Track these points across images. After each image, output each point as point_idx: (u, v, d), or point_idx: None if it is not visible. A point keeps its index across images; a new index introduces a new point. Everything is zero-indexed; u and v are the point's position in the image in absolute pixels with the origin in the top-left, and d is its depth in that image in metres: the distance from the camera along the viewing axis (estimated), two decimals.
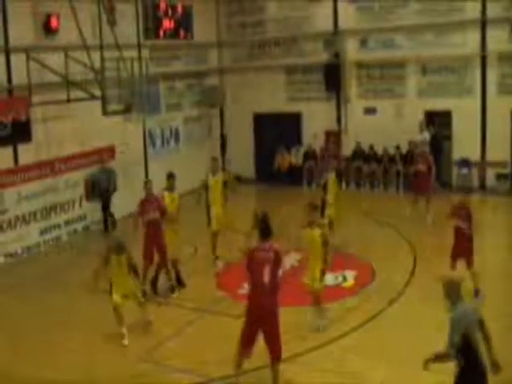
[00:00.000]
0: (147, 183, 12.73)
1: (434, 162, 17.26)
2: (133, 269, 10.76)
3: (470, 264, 11.55)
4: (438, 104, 20.02)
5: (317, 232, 10.28)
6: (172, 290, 12.52)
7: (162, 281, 12.66)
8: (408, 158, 19.53)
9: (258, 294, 8.26)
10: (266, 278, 8.20)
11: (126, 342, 10.43)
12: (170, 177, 12.99)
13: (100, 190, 17.35)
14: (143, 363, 9.75)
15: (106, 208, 17.43)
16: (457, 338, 6.55)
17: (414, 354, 9.46)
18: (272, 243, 8.36)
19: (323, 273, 10.42)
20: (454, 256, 11.67)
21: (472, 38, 19.34)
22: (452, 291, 6.80)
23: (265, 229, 8.38)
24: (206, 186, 13.99)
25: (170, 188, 12.92)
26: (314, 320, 10.58)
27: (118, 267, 10.54)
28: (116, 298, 10.47)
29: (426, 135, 19.64)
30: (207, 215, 14.01)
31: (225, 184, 14.26)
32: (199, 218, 14.74)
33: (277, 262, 8.29)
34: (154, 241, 12.31)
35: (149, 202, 12.37)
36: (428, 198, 16.68)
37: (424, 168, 16.85)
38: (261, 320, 8.28)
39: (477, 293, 11.34)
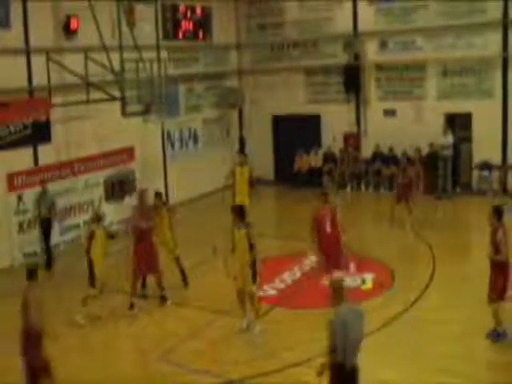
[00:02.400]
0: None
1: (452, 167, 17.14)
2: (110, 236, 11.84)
3: None
4: (459, 106, 19.84)
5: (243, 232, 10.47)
6: (164, 300, 12.12)
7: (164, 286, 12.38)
8: (428, 160, 19.42)
9: None
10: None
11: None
12: (158, 195, 12.94)
13: (40, 216, 15.06)
14: (162, 364, 9.75)
15: (46, 238, 15.04)
16: (339, 340, 6.61)
17: (432, 357, 9.44)
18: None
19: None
20: None
21: (493, 40, 19.14)
22: (336, 293, 6.81)
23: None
24: (233, 177, 15.27)
25: (156, 207, 12.70)
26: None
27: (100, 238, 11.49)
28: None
29: (450, 138, 19.46)
30: (233, 202, 14.94)
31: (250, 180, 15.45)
32: (219, 219, 14.74)
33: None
34: (144, 254, 11.91)
35: (143, 212, 12.08)
36: (412, 201, 16.58)
37: (406, 180, 16.71)
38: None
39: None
